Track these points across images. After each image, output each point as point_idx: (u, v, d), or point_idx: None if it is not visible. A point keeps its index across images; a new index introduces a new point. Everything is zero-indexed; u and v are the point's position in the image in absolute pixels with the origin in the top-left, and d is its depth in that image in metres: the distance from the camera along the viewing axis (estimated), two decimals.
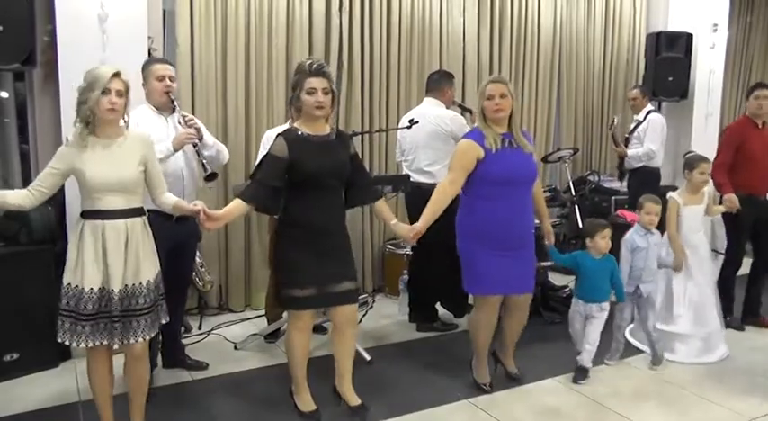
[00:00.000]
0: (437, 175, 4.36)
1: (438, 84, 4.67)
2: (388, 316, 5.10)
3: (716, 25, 6.92)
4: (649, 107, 6.01)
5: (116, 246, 2.78)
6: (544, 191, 5.23)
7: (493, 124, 3.47)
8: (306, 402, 3.38)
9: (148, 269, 2.89)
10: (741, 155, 4.73)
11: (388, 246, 5.68)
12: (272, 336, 4.44)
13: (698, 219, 4.29)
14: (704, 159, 4.26)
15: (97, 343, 2.80)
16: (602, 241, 3.81)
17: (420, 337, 4.62)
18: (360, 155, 5.24)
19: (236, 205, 3.09)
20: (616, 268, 3.91)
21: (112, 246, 2.78)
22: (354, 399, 3.40)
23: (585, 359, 3.89)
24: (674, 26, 6.90)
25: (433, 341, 4.58)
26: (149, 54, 4.25)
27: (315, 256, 3.16)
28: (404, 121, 4.59)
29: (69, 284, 2.79)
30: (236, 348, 4.35)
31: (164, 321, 3.01)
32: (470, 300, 4.44)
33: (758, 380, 3.95)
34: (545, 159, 5.74)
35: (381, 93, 5.72)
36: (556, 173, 6.68)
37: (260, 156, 4.39)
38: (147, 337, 2.90)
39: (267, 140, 4.40)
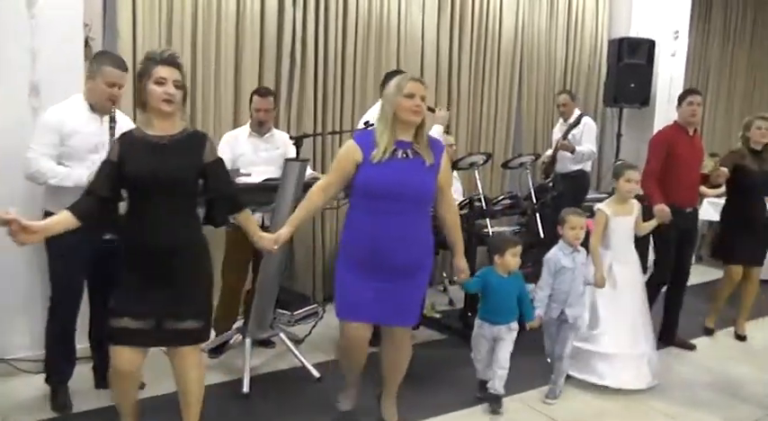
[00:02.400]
0: None
1: (381, 87, 4.39)
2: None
3: (677, 32, 6.90)
4: (578, 111, 5.91)
5: None
6: (504, 198, 5.05)
7: (400, 128, 2.99)
8: None
9: None
10: (668, 163, 4.47)
11: None
12: (216, 351, 4.15)
13: (628, 231, 4.02)
14: (631, 166, 4.06)
15: None
16: (513, 259, 3.48)
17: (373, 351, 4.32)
18: (312, 158, 5.05)
19: (64, 217, 2.60)
20: (524, 287, 3.59)
21: None
22: None
23: (498, 385, 3.55)
24: (636, 32, 6.86)
25: None
26: (86, 43, 3.93)
27: (149, 282, 2.68)
28: (360, 124, 4.33)
29: None
30: None
31: None
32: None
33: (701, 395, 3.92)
34: (505, 165, 5.56)
35: (336, 92, 5.45)
36: (515, 179, 6.53)
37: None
38: None
39: (224, 145, 4.22)
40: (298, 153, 3.77)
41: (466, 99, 6.31)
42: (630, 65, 6.59)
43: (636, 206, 4.06)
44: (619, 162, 4.38)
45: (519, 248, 3.50)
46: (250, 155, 4.19)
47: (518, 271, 3.56)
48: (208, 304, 2.89)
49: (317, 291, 5.47)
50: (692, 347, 4.72)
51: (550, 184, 5.62)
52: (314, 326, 4.51)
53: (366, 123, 4.10)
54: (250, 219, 3.03)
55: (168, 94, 2.66)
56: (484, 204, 4.70)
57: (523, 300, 3.58)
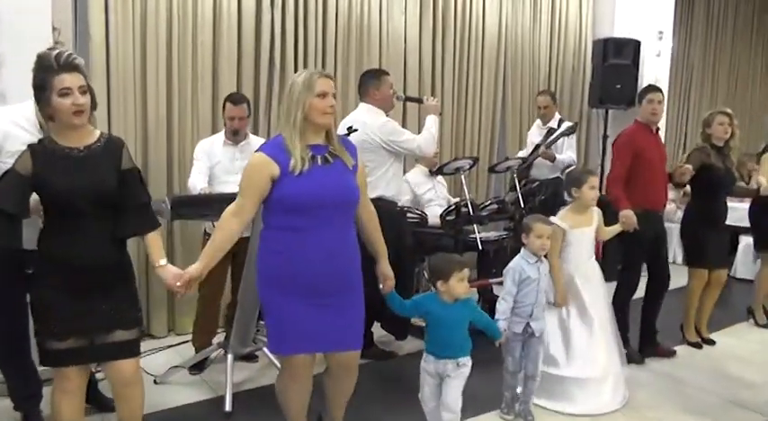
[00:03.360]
0: (377, 187, 3.98)
1: (365, 86, 4.17)
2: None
3: (661, 33, 6.84)
4: (558, 116, 5.83)
5: None
6: (491, 203, 4.92)
7: (310, 130, 2.67)
8: None
9: None
10: (637, 165, 4.21)
11: None
12: (197, 368, 3.98)
13: (588, 243, 3.76)
14: (592, 172, 3.80)
15: None
16: (460, 284, 3.00)
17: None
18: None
19: None
20: (476, 311, 3.18)
21: None
22: None
23: None
24: (620, 33, 6.77)
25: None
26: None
27: (78, 299, 2.52)
28: (341, 129, 4.16)
29: None
30: (155, 382, 3.85)
31: None
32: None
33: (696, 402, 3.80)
34: (492, 169, 5.45)
35: None
36: (501, 184, 6.45)
37: (194, 171, 4.04)
38: None
39: (201, 152, 4.07)
40: None
41: (450, 102, 6.19)
42: (615, 65, 6.50)
43: (596, 214, 3.79)
44: (570, 168, 4.16)
45: (466, 272, 3.03)
46: (226, 163, 4.04)
47: (467, 296, 3.11)
48: (138, 313, 2.72)
49: None
50: (672, 353, 4.52)
51: (537, 188, 5.51)
52: None
53: (349, 129, 3.94)
54: (155, 243, 2.68)
55: (77, 105, 2.45)
56: (471, 210, 4.56)
57: (482, 321, 3.18)
